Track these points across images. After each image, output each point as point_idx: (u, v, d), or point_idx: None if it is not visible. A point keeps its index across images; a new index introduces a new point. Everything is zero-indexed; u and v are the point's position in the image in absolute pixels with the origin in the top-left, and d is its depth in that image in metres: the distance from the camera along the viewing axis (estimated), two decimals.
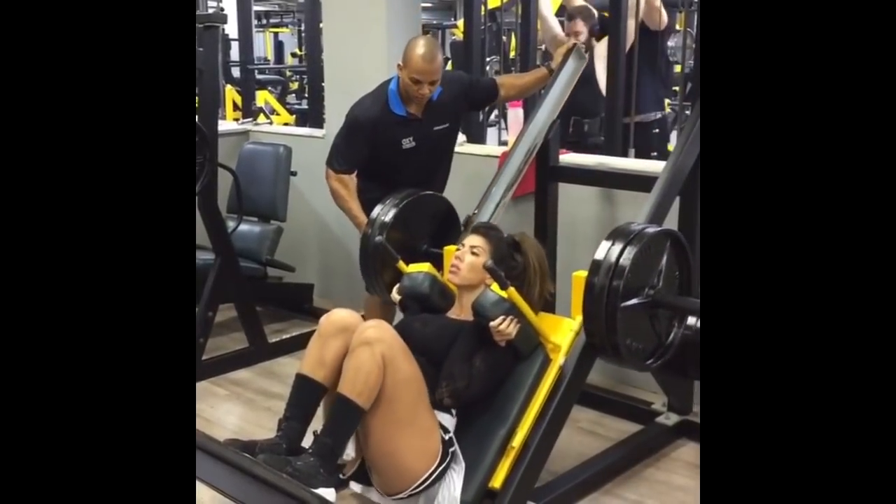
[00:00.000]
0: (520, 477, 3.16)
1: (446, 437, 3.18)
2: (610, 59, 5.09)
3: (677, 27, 6.71)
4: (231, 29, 9.89)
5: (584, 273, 3.16)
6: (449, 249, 3.72)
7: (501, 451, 3.20)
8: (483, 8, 5.90)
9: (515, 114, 4.87)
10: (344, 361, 3.16)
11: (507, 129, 6.23)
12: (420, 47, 4.09)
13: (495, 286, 3.25)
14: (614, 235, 3.15)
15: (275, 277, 5.69)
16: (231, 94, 10.06)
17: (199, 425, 3.81)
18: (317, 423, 3.18)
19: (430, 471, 3.13)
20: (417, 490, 3.16)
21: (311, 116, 7.80)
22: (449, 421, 3.24)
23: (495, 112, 7.81)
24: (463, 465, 3.21)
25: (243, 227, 5.21)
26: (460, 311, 3.49)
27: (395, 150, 4.25)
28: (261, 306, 5.37)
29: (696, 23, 6.13)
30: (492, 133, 7.51)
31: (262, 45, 16.52)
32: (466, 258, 3.45)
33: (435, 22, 16.91)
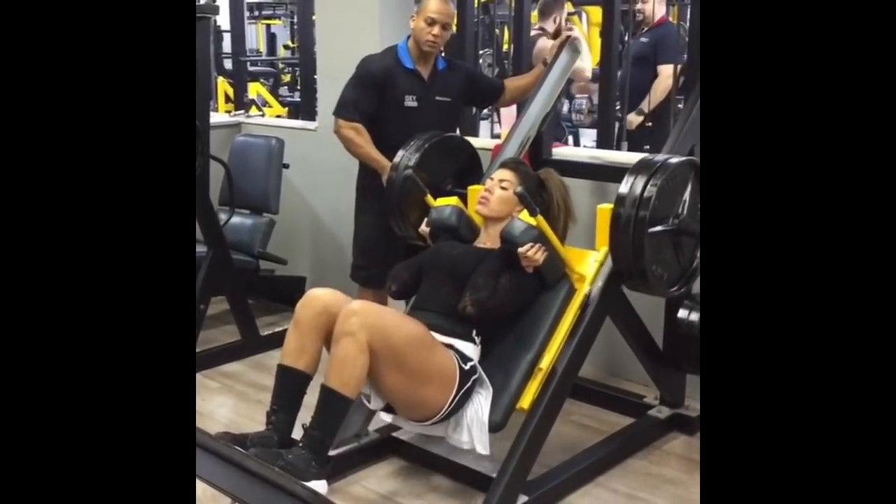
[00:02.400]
0: (548, 397, 3.29)
1: (467, 367, 3.26)
2: (603, 57, 5.10)
3: (670, 20, 6.73)
4: (223, 20, 9.85)
5: (609, 206, 3.32)
6: (473, 189, 3.84)
7: (529, 374, 3.33)
8: (476, 1, 5.90)
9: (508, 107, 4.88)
10: (331, 350, 3.16)
11: (499, 122, 6.22)
12: None
13: (524, 215, 3.37)
14: (639, 167, 3.28)
15: (267, 270, 5.68)
16: (223, 85, 10.03)
17: None
18: (306, 413, 3.18)
19: (450, 401, 3.22)
20: (440, 419, 3.26)
21: (304, 109, 7.76)
22: (472, 350, 3.34)
23: None
24: (490, 389, 3.32)
25: (235, 219, 5.20)
26: (486, 241, 3.61)
27: (398, 105, 4.28)
28: (253, 299, 5.36)
29: (688, 16, 6.12)
30: (484, 126, 7.51)
31: (255, 36, 16.46)
32: (496, 191, 3.58)
33: None
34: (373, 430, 3.71)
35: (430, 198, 3.87)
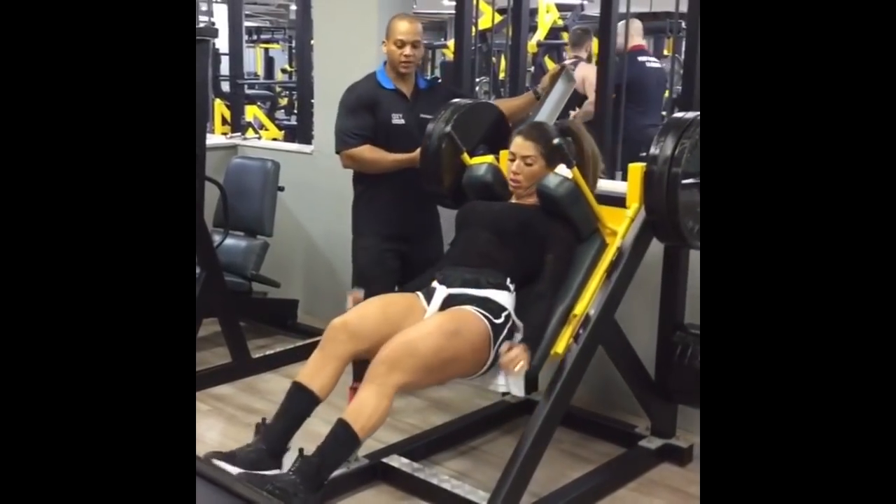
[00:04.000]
0: (584, 340, 3.49)
1: (500, 319, 3.41)
2: (599, 85, 5.11)
3: (665, 53, 6.77)
4: (222, 43, 9.88)
5: (640, 164, 3.54)
6: (505, 153, 3.93)
7: (563, 320, 3.53)
8: (473, 29, 5.91)
9: None
10: (359, 387, 3.23)
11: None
12: (398, 18, 4.40)
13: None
14: (669, 126, 3.47)
15: (259, 292, 5.66)
16: (220, 108, 10.04)
17: None
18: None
19: (489, 357, 3.39)
20: (483, 373, 3.44)
21: (300, 132, 7.78)
22: (507, 298, 3.49)
23: None
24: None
25: (229, 241, 5.20)
26: (518, 200, 3.76)
27: (386, 124, 4.32)
28: (245, 321, 5.34)
29: (683, 49, 6.15)
30: None
31: (253, 60, 16.52)
32: (524, 171, 3.71)
33: (425, 42, 16.95)
34: (362, 456, 3.69)
35: (466, 156, 4.00)
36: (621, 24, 5.30)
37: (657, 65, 6.75)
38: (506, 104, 4.63)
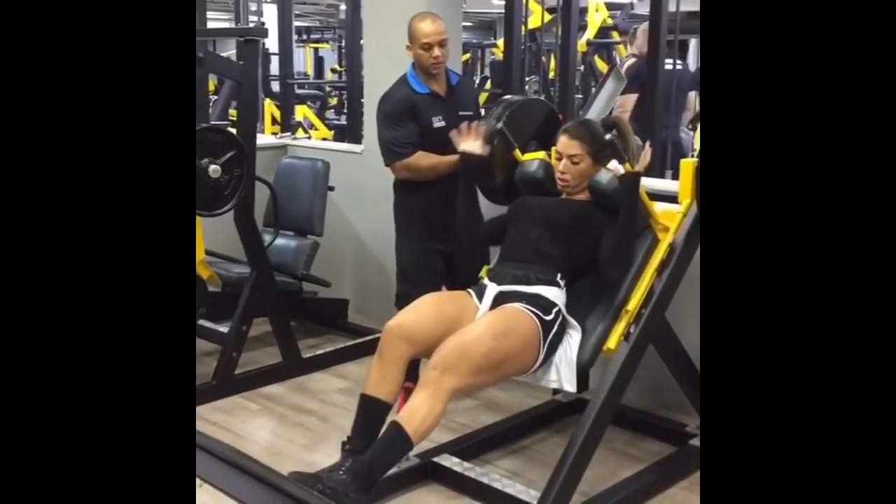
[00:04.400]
0: (634, 339, 3.49)
1: (550, 316, 3.42)
2: (647, 87, 5.09)
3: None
4: (272, 43, 9.92)
5: (692, 160, 3.57)
6: (556, 149, 3.92)
7: (616, 316, 3.56)
8: (523, 28, 5.90)
9: None
10: (413, 390, 3.26)
11: None
12: (419, 18, 4.27)
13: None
14: None
15: (310, 292, 5.67)
16: (270, 108, 10.08)
17: (230, 440, 3.83)
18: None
19: (540, 356, 3.40)
20: (535, 370, 3.45)
21: (350, 132, 7.80)
22: (557, 294, 3.50)
23: None
24: (578, 328, 3.50)
25: (279, 241, 5.21)
26: (572, 195, 3.76)
27: (428, 130, 4.25)
28: (295, 321, 5.36)
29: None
30: None
31: (303, 60, 16.58)
32: (571, 170, 3.69)
33: (475, 41, 16.94)
34: (413, 455, 3.69)
35: (518, 152, 4.01)
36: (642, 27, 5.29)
37: (679, 66, 6.70)
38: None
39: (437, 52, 4.20)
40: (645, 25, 6.06)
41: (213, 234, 4.93)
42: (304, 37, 17.31)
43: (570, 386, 3.43)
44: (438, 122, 4.26)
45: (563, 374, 3.42)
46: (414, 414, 3.15)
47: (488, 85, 10.48)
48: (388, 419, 3.29)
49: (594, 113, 4.35)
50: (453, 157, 4.10)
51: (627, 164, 3.53)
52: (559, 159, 3.71)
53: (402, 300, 4.41)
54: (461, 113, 4.31)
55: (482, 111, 4.68)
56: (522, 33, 5.85)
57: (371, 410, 3.35)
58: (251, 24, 10.05)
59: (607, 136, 3.59)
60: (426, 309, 3.46)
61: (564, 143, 3.69)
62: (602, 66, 9.37)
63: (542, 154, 3.99)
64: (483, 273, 3.72)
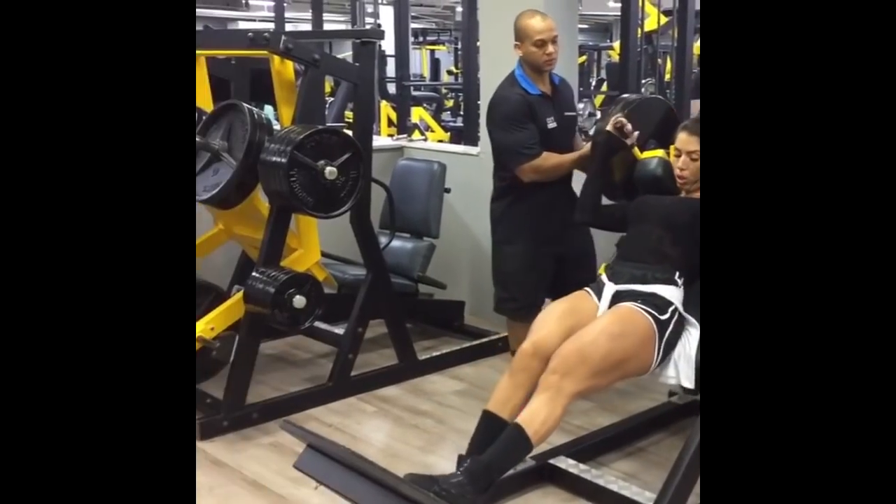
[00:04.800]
0: None
1: (665, 315, 3.38)
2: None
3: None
4: (388, 45, 9.98)
5: None
6: (674, 148, 3.93)
7: None
8: (639, 30, 5.84)
9: None
10: (534, 393, 3.26)
11: None
12: (528, 15, 4.22)
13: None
14: None
15: (426, 294, 5.67)
16: (386, 109, 10.15)
17: (346, 442, 3.84)
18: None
19: (656, 355, 3.36)
20: (653, 369, 3.42)
21: (466, 134, 7.80)
22: (675, 293, 3.46)
23: None
24: (697, 325, 3.42)
25: (395, 243, 5.21)
26: (688, 195, 3.75)
27: (543, 130, 4.22)
28: (411, 323, 5.36)
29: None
30: None
31: (419, 61, 16.67)
32: (690, 166, 3.66)
33: (591, 43, 16.87)
34: (529, 458, 3.65)
35: (636, 150, 3.96)
36: None
37: None
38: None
39: (550, 48, 4.17)
40: None
41: (330, 237, 4.94)
42: (421, 39, 17.39)
43: (688, 382, 3.40)
44: (552, 123, 4.25)
45: (681, 371, 3.39)
46: (534, 417, 3.15)
47: (604, 87, 10.40)
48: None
49: None
50: (575, 154, 4.10)
51: None
52: (678, 156, 3.67)
53: (510, 305, 4.40)
54: (566, 113, 4.30)
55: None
56: (638, 36, 5.78)
57: (492, 428, 3.33)
58: (367, 26, 10.13)
59: None
60: (555, 326, 3.42)
61: (684, 139, 3.65)
62: None
63: (660, 152, 3.94)
64: (602, 270, 3.68)
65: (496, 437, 3.27)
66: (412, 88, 9.78)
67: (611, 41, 16.04)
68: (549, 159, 4.19)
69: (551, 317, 3.48)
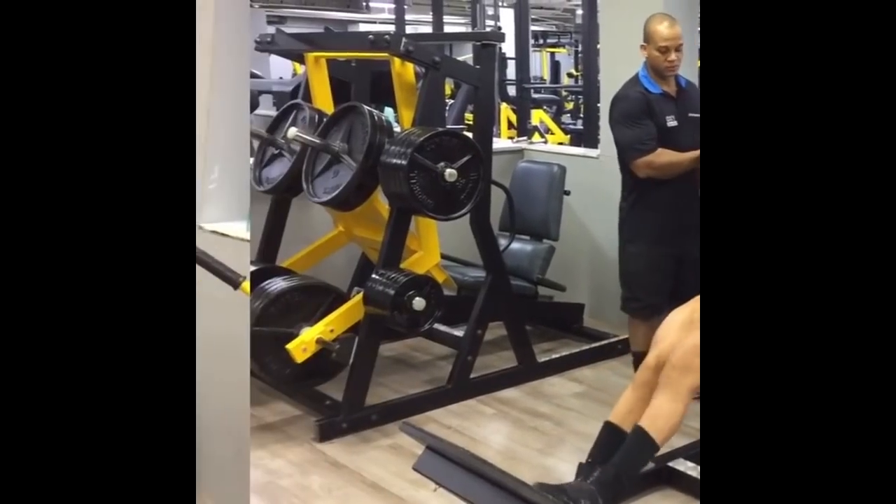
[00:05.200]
0: None
1: None
2: None
3: None
4: (508, 48, 9.99)
5: None
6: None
7: None
8: None
9: None
10: (653, 395, 3.25)
11: None
12: (657, 20, 4.22)
13: None
14: None
15: (545, 296, 5.65)
16: (506, 112, 10.14)
17: (465, 444, 3.84)
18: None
19: None
20: None
21: (586, 137, 7.78)
22: None
23: None
24: None
25: (515, 245, 5.21)
26: None
27: (662, 129, 4.24)
28: (530, 325, 5.34)
29: None
30: None
31: (539, 64, 16.65)
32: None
33: None
34: None
35: None
36: None
37: None
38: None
39: (672, 56, 4.19)
40: None
41: (449, 238, 4.96)
42: (541, 41, 17.38)
43: None
44: (672, 122, 4.25)
45: None
46: (657, 416, 3.13)
47: None
48: None
49: None
50: (693, 154, 4.04)
51: None
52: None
53: (634, 304, 4.41)
54: (690, 115, 4.27)
55: None
56: None
57: (614, 439, 3.32)
58: (488, 29, 10.14)
59: None
60: (676, 337, 3.38)
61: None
62: None
63: None
64: None
65: (615, 447, 3.25)
66: (532, 91, 9.76)
67: None
68: (662, 156, 4.19)
69: (672, 328, 3.44)
